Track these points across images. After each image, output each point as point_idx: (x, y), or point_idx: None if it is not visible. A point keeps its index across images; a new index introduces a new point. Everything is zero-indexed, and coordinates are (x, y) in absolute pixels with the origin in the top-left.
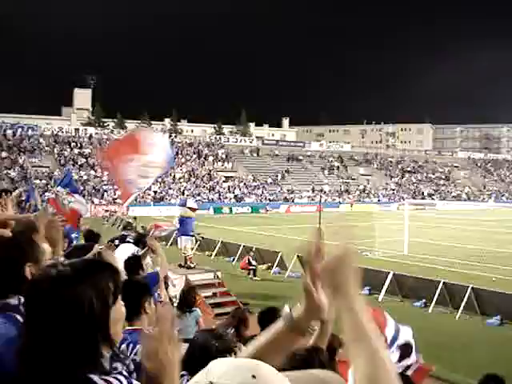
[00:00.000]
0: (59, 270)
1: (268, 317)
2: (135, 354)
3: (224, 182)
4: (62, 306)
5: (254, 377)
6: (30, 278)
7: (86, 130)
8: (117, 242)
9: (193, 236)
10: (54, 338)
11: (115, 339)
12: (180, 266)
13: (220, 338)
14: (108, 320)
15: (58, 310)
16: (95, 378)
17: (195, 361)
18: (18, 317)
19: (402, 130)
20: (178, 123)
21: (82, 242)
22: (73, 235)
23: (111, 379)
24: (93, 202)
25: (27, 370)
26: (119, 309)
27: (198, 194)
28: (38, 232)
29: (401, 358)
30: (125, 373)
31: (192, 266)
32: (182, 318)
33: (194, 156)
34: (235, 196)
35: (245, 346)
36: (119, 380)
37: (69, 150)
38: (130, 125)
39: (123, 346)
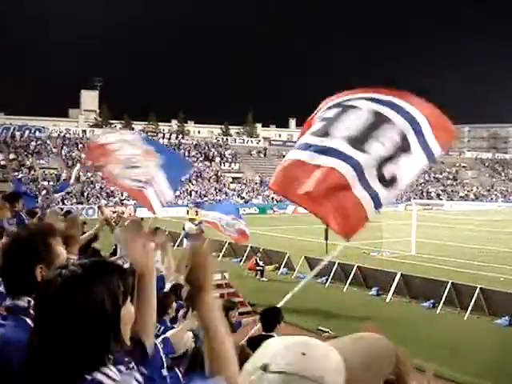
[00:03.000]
0: (71, 269)
1: (270, 315)
2: None
3: (231, 183)
4: (75, 305)
5: (303, 354)
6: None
7: (93, 131)
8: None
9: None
10: (66, 338)
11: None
12: (186, 267)
13: None
14: (119, 320)
15: (70, 309)
16: (98, 375)
17: (196, 358)
18: (28, 320)
19: None
20: (185, 124)
21: None
22: None
23: (111, 373)
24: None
25: (36, 370)
26: (129, 310)
27: (205, 195)
28: (55, 235)
29: None
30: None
31: None
32: (185, 319)
33: (201, 157)
34: (242, 197)
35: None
36: (118, 369)
37: (76, 151)
38: (137, 126)
39: None
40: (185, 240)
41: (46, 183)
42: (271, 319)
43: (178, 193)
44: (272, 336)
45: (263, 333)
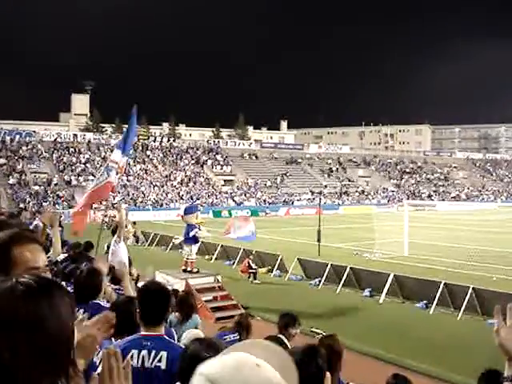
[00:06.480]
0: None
1: (285, 318)
2: (159, 361)
3: (223, 185)
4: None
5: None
6: None
7: (84, 135)
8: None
9: (196, 242)
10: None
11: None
12: (184, 270)
13: (212, 347)
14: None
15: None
16: None
17: (187, 371)
18: None
19: (400, 131)
20: (177, 127)
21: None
22: None
23: None
24: (92, 208)
25: None
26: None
27: (198, 199)
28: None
29: None
30: None
31: (189, 269)
32: (181, 326)
33: (193, 160)
34: (234, 200)
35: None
36: None
37: (67, 155)
38: None
39: (144, 352)
40: (184, 246)
41: (37, 187)
42: (282, 322)
43: (169, 196)
44: (279, 338)
45: (275, 334)
